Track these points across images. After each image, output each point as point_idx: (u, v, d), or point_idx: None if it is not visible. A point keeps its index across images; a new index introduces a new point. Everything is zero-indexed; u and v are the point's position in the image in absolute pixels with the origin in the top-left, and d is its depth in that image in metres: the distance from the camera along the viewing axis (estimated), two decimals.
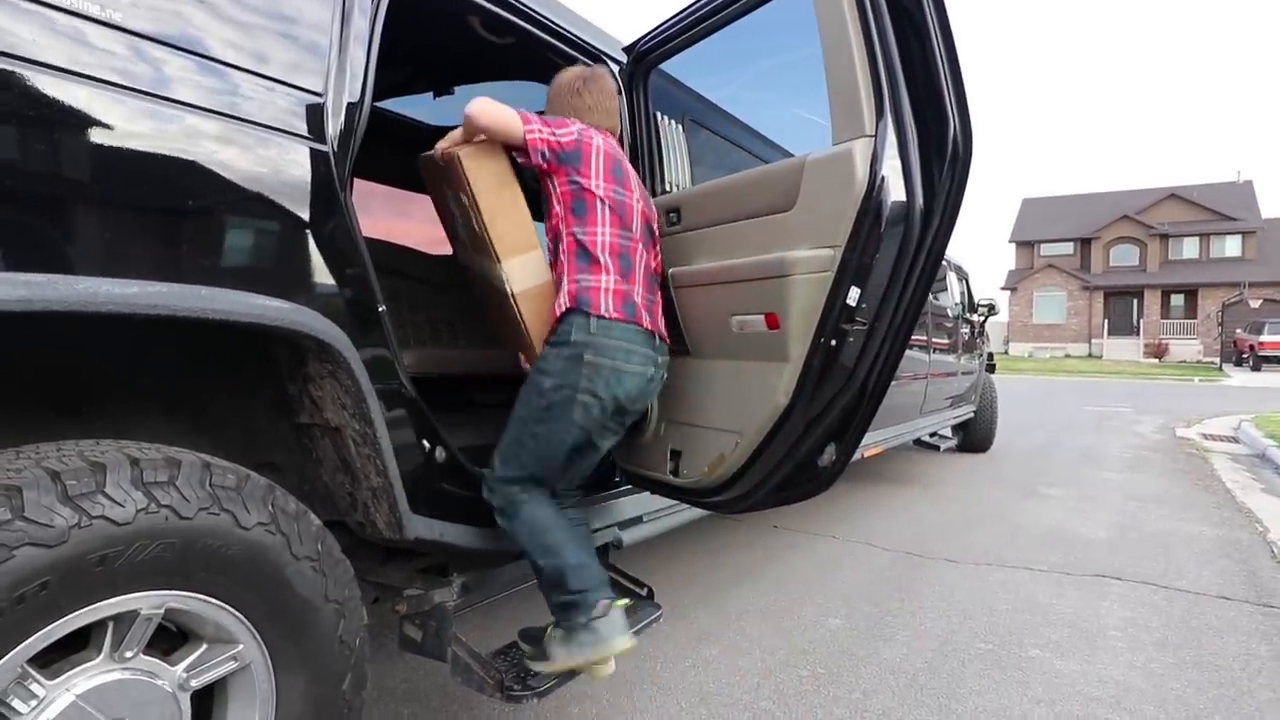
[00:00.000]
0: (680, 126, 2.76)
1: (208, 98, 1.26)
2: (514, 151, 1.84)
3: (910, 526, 4.37)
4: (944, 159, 1.58)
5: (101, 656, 1.11)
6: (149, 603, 1.13)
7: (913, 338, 5.65)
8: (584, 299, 1.71)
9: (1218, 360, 26.40)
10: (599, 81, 1.98)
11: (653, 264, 1.92)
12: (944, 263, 6.02)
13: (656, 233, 1.98)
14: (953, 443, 6.95)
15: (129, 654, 1.13)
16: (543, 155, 1.76)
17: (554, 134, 1.77)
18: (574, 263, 1.76)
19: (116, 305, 1.08)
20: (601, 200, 1.77)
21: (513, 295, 1.89)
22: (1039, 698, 2.31)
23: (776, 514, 4.38)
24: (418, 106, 3.40)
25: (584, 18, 2.37)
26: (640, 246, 1.83)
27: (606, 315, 1.71)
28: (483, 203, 1.84)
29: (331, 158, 1.43)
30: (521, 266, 1.90)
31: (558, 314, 1.76)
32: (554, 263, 1.87)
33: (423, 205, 2.58)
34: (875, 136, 1.58)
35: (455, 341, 3.31)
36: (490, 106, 1.75)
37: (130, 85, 1.16)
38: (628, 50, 2.46)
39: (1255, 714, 2.22)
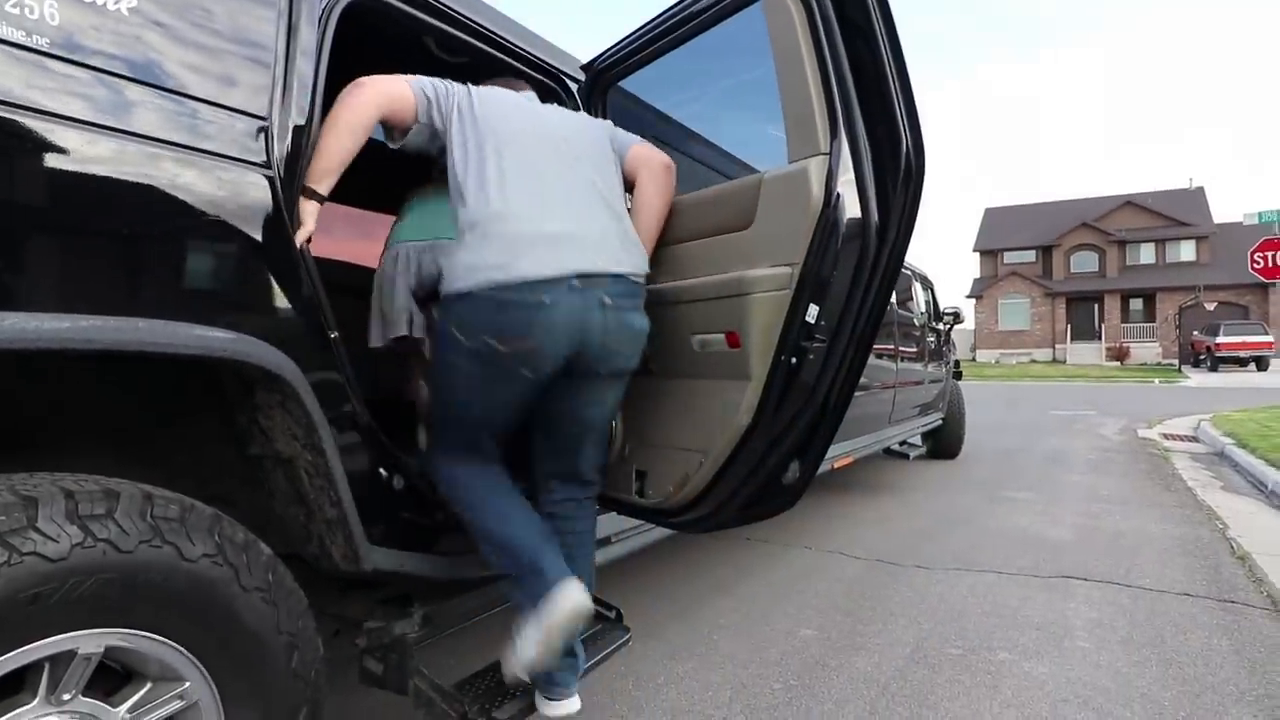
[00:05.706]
0: None
1: (139, 122, 1.20)
2: None
3: (881, 535, 4.39)
4: (898, 174, 1.59)
5: (37, 700, 1.07)
6: (88, 642, 1.08)
7: (880, 347, 5.61)
8: None
9: (1176, 362, 27.02)
10: None
11: None
12: (909, 273, 6.11)
13: None
14: (922, 450, 7.02)
15: (66, 696, 1.09)
16: None
17: None
18: None
19: (46, 342, 1.04)
20: None
21: None
22: (1009, 701, 2.32)
23: (748, 527, 4.37)
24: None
25: (541, 36, 2.37)
26: None
27: None
28: None
29: (277, 183, 1.40)
30: None
31: None
32: None
33: (387, 226, 2.57)
34: (830, 154, 1.59)
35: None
36: None
37: (48, 110, 1.10)
38: (585, 68, 2.46)
39: (1219, 708, 2.26)
